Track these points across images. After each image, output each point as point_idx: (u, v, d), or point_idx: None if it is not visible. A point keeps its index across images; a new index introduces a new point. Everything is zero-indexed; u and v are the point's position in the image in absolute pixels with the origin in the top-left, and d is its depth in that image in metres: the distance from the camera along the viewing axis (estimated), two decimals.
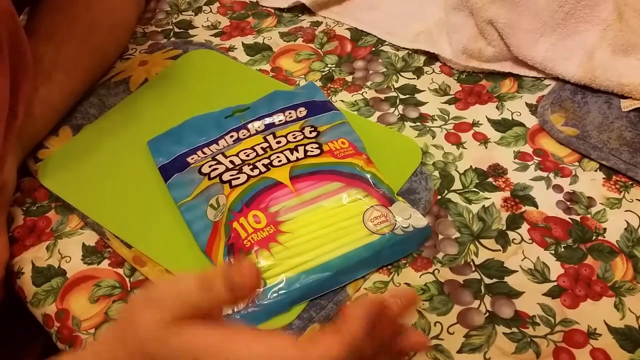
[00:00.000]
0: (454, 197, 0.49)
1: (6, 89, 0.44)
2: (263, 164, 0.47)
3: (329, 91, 0.58)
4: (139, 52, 0.64)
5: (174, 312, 0.29)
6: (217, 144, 0.50)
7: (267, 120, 0.52)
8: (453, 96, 0.57)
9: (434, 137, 0.54)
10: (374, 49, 0.63)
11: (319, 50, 0.63)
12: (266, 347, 0.28)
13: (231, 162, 0.48)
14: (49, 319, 0.44)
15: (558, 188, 0.49)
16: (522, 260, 0.45)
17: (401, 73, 0.60)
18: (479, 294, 0.43)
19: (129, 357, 0.30)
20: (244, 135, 0.51)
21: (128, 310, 0.31)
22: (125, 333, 0.31)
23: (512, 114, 0.55)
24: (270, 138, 0.50)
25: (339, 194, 0.46)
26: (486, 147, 0.53)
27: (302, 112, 0.52)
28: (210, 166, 0.48)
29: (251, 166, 0.47)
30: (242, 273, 0.29)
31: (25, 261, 0.47)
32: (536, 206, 0.48)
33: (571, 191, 0.49)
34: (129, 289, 0.45)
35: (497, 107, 0.56)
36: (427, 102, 0.57)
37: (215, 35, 0.66)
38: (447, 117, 0.55)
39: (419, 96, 0.57)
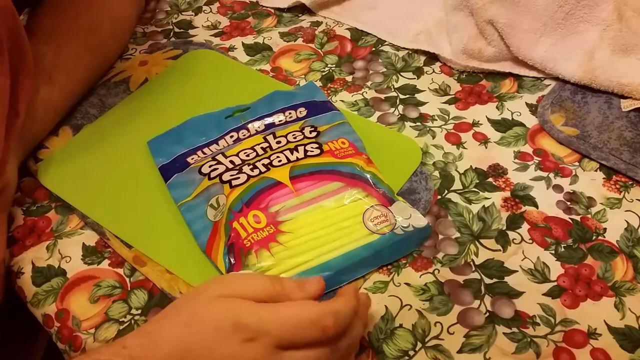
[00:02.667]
0: (454, 197, 0.49)
1: (6, 87, 0.44)
2: (263, 164, 0.47)
3: (329, 91, 0.58)
4: (139, 52, 0.64)
5: (239, 290, 0.35)
6: (217, 144, 0.50)
7: (267, 120, 0.52)
8: (453, 96, 0.57)
9: (434, 137, 0.54)
10: (374, 49, 0.63)
11: (319, 50, 0.63)
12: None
13: (231, 162, 0.48)
14: (49, 319, 0.44)
15: (558, 188, 0.49)
16: (522, 260, 0.45)
17: (401, 73, 0.60)
18: (479, 294, 0.43)
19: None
20: (244, 135, 0.51)
21: (194, 290, 0.37)
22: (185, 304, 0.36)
23: (512, 114, 0.55)
24: (270, 138, 0.50)
25: (339, 194, 0.46)
26: (486, 147, 0.53)
27: (302, 112, 0.52)
28: (210, 166, 0.48)
29: (251, 166, 0.47)
30: (312, 281, 0.38)
31: (26, 261, 0.47)
32: (536, 206, 0.48)
33: (571, 191, 0.49)
34: (129, 289, 0.45)
35: (497, 107, 0.56)
36: (427, 102, 0.57)
37: (215, 35, 0.66)
38: (447, 117, 0.55)
39: (419, 96, 0.57)
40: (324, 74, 0.60)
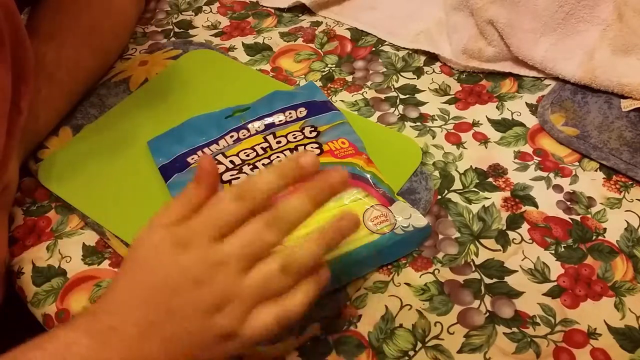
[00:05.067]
0: (454, 197, 0.49)
1: (8, 84, 0.44)
2: (263, 164, 0.47)
3: (329, 91, 0.58)
4: (139, 52, 0.64)
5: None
6: (217, 144, 0.50)
7: (267, 120, 0.52)
8: (453, 96, 0.57)
9: (434, 137, 0.54)
10: (374, 49, 0.63)
11: (319, 50, 0.63)
12: None
13: (231, 162, 0.48)
14: (49, 319, 0.44)
15: (558, 188, 0.49)
16: (522, 260, 0.45)
17: (401, 73, 0.60)
18: (479, 294, 0.43)
19: None
20: (244, 135, 0.51)
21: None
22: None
23: (512, 114, 0.55)
24: (270, 138, 0.50)
25: (339, 194, 0.45)
26: (486, 147, 0.53)
27: (302, 112, 0.52)
28: None
29: (251, 166, 0.47)
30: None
31: (26, 261, 0.47)
32: (536, 206, 0.48)
33: (571, 191, 0.49)
34: None
35: (497, 107, 0.56)
36: (427, 102, 0.57)
37: (215, 35, 0.66)
38: (447, 117, 0.55)
39: (419, 96, 0.57)
40: (324, 74, 0.60)
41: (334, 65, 0.61)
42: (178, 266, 0.34)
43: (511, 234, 0.47)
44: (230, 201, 0.35)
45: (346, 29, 0.65)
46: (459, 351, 0.40)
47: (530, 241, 0.46)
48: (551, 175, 0.50)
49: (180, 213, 0.36)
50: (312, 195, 0.35)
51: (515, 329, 0.41)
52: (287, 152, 0.48)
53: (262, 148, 0.49)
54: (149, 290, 0.34)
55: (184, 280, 0.33)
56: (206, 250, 0.34)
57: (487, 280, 0.44)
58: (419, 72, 0.60)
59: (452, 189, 0.50)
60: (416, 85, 0.59)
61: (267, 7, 0.69)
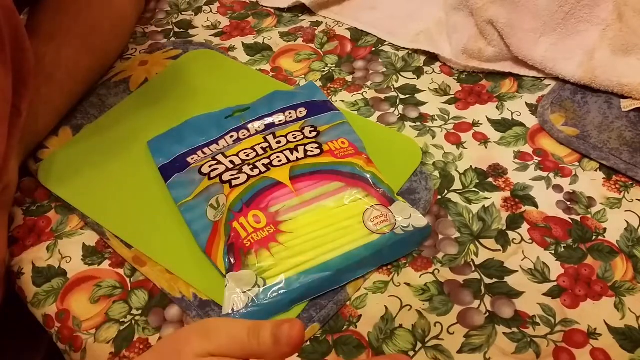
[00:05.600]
0: (454, 197, 0.49)
1: (9, 85, 0.44)
2: (263, 164, 0.47)
3: (329, 91, 0.58)
4: (139, 52, 0.64)
5: (220, 347, 0.31)
6: (217, 144, 0.50)
7: (267, 120, 0.52)
8: (453, 96, 0.57)
9: (434, 137, 0.54)
10: (374, 49, 0.63)
11: (319, 50, 0.63)
12: None
13: (231, 162, 0.48)
14: (50, 320, 0.44)
15: (558, 188, 0.49)
16: (522, 260, 0.45)
17: (401, 73, 0.60)
18: (479, 294, 0.43)
19: None
20: (244, 135, 0.51)
21: (175, 338, 0.33)
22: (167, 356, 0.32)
23: (512, 114, 0.55)
24: (270, 138, 0.50)
25: (339, 194, 0.46)
26: (486, 147, 0.53)
27: (302, 112, 0.52)
28: (210, 166, 0.48)
29: (251, 166, 0.47)
30: (290, 331, 0.31)
31: (26, 261, 0.47)
32: (536, 206, 0.48)
33: (571, 191, 0.49)
34: (129, 289, 0.45)
35: (497, 107, 0.56)
36: (427, 102, 0.57)
37: (215, 35, 0.66)
38: (447, 117, 0.55)
39: (419, 96, 0.57)
40: (324, 74, 0.60)
41: (334, 65, 0.61)
42: None
43: (511, 234, 0.47)
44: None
45: (346, 29, 0.65)
46: (459, 351, 0.40)
47: (530, 241, 0.46)
48: (551, 175, 0.50)
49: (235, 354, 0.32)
50: None
51: (515, 329, 0.41)
52: (287, 152, 0.48)
53: (262, 148, 0.49)
54: None
55: None
56: None
57: (487, 280, 0.44)
58: (419, 72, 0.60)
59: (452, 189, 0.50)
60: (416, 85, 0.59)
61: (267, 7, 0.69)
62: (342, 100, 0.57)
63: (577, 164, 0.51)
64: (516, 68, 0.59)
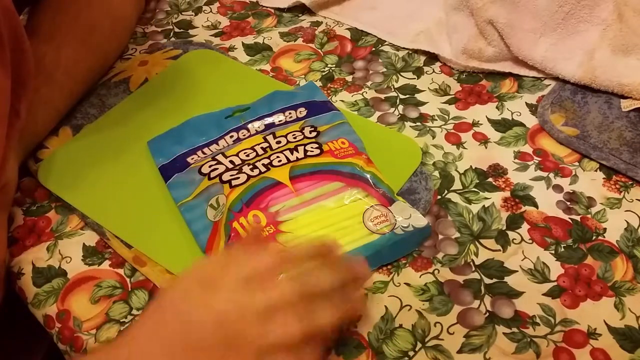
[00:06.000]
0: (454, 197, 0.49)
1: (8, 86, 0.44)
2: (263, 164, 0.48)
3: (329, 91, 0.58)
4: (139, 52, 0.64)
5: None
6: (217, 144, 0.50)
7: (267, 120, 0.52)
8: (453, 96, 0.57)
9: (434, 137, 0.54)
10: (374, 49, 0.63)
11: (319, 50, 0.63)
12: None
13: (231, 162, 0.48)
14: (50, 320, 0.44)
15: (558, 188, 0.49)
16: (522, 260, 0.45)
17: (401, 73, 0.60)
18: (479, 294, 0.43)
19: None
20: (244, 135, 0.51)
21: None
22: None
23: (512, 114, 0.55)
24: (270, 138, 0.50)
25: (339, 194, 0.46)
26: (486, 147, 0.53)
27: (302, 112, 0.52)
28: (210, 166, 0.48)
29: (251, 166, 0.47)
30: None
31: (26, 262, 0.47)
32: (536, 206, 0.48)
33: (571, 191, 0.49)
34: (129, 289, 0.45)
35: (497, 107, 0.56)
36: (427, 102, 0.57)
37: (215, 35, 0.66)
38: (447, 117, 0.55)
39: (419, 96, 0.57)
40: (324, 74, 0.60)
41: (334, 65, 0.61)
42: (207, 307, 0.34)
43: (511, 234, 0.47)
44: (264, 255, 0.36)
45: (346, 29, 0.65)
46: (459, 351, 0.40)
47: (530, 241, 0.46)
48: (551, 175, 0.50)
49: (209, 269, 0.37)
50: (347, 275, 0.38)
51: (515, 329, 0.41)
52: (287, 152, 0.48)
53: (262, 148, 0.49)
54: (175, 333, 0.34)
55: (213, 323, 0.34)
56: (238, 293, 0.34)
57: (487, 281, 0.44)
58: (419, 72, 0.60)
59: (452, 189, 0.50)
60: (416, 85, 0.59)
61: (267, 7, 0.69)
62: (342, 100, 0.57)
63: (577, 164, 0.51)
64: (516, 68, 0.59)
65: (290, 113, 0.52)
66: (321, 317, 0.35)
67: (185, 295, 0.35)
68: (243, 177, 0.47)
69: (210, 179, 0.47)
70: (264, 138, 0.50)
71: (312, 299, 0.36)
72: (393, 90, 0.58)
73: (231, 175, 0.47)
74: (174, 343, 0.34)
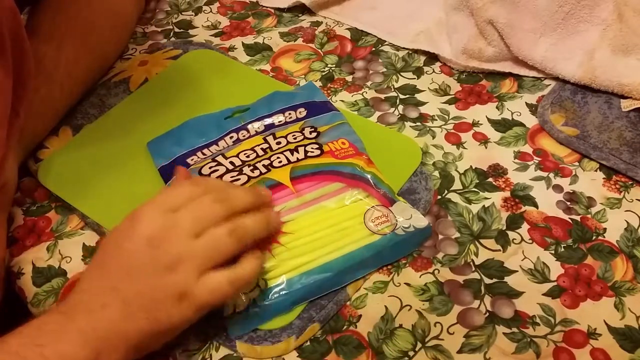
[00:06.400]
0: (454, 197, 0.49)
1: (9, 86, 0.44)
2: (263, 165, 0.47)
3: (329, 91, 0.58)
4: (139, 52, 0.64)
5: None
6: (217, 145, 0.50)
7: (267, 121, 0.52)
8: (453, 96, 0.57)
9: (434, 137, 0.54)
10: (374, 49, 0.63)
11: (319, 50, 0.63)
12: None
13: (231, 163, 0.48)
14: None
15: (558, 188, 0.49)
16: (522, 260, 0.45)
17: (401, 73, 0.60)
18: (479, 294, 0.43)
19: None
20: (243, 136, 0.51)
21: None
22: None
23: (512, 114, 0.55)
24: (270, 139, 0.50)
25: (340, 195, 0.46)
26: (486, 147, 0.53)
27: (302, 112, 0.52)
28: (210, 167, 0.48)
29: (251, 167, 0.47)
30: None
31: (26, 261, 0.47)
32: (536, 206, 0.48)
33: (571, 191, 0.49)
34: None
35: (497, 107, 0.56)
36: (427, 102, 0.57)
37: (215, 35, 0.66)
38: (447, 117, 0.55)
39: (419, 96, 0.57)
40: (324, 74, 0.60)
41: (334, 65, 0.61)
42: (134, 232, 0.37)
43: (511, 234, 0.47)
44: (185, 183, 0.41)
45: (346, 29, 0.65)
46: (459, 351, 0.40)
47: (530, 241, 0.46)
48: (551, 175, 0.50)
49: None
50: (256, 197, 0.42)
51: (515, 329, 0.41)
52: (288, 153, 0.48)
53: (262, 149, 0.49)
54: (111, 259, 0.38)
55: (140, 243, 0.37)
56: (161, 216, 0.38)
57: (487, 280, 0.44)
58: (419, 72, 0.60)
59: (452, 189, 0.50)
60: (416, 85, 0.59)
61: (267, 7, 0.69)
62: (342, 100, 0.57)
63: (577, 164, 0.51)
64: (516, 68, 0.59)
65: (290, 114, 0.52)
66: (248, 225, 0.39)
67: (119, 232, 0.38)
68: (243, 179, 0.47)
69: None
70: (264, 139, 0.50)
71: (235, 214, 0.39)
72: (393, 90, 0.58)
73: (232, 177, 0.47)
74: (115, 277, 0.37)
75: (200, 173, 0.48)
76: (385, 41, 0.63)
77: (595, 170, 0.50)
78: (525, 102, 0.56)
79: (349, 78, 0.60)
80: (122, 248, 0.37)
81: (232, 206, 0.39)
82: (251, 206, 0.41)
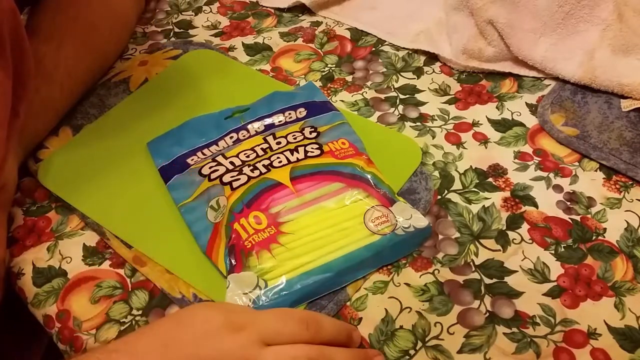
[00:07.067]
0: (454, 197, 0.49)
1: (9, 87, 0.44)
2: (263, 165, 0.47)
3: (329, 91, 0.58)
4: (139, 52, 0.64)
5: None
6: (217, 145, 0.50)
7: (267, 121, 0.52)
8: (453, 96, 0.57)
9: (434, 137, 0.54)
10: (374, 49, 0.63)
11: (319, 50, 0.63)
12: None
13: (231, 163, 0.48)
14: (50, 320, 0.44)
15: (558, 188, 0.49)
16: (522, 260, 0.45)
17: (401, 73, 0.60)
18: (479, 294, 0.43)
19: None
20: (243, 136, 0.51)
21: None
22: None
23: (512, 114, 0.55)
24: (270, 139, 0.50)
25: (340, 195, 0.46)
26: (486, 147, 0.53)
27: (302, 112, 0.52)
28: (210, 167, 0.48)
29: (251, 167, 0.47)
30: None
31: (26, 262, 0.47)
32: (536, 206, 0.48)
33: (571, 191, 0.49)
34: (130, 289, 0.45)
35: (497, 107, 0.56)
36: (427, 102, 0.57)
37: (215, 35, 0.66)
38: (447, 117, 0.55)
39: (419, 96, 0.57)
40: (324, 74, 0.60)
41: (334, 65, 0.61)
42: (218, 341, 0.35)
43: (511, 234, 0.47)
44: (297, 324, 0.37)
45: (346, 29, 0.65)
46: (459, 351, 0.40)
47: (530, 241, 0.46)
48: (551, 175, 0.50)
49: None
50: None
51: (515, 329, 0.41)
52: (287, 153, 0.48)
53: (262, 149, 0.49)
54: (173, 340, 0.35)
55: (213, 352, 0.34)
56: (251, 344, 0.35)
57: (487, 281, 0.44)
58: (419, 72, 0.60)
59: (452, 189, 0.50)
60: (416, 85, 0.59)
61: (267, 7, 0.69)
62: (342, 100, 0.57)
63: (577, 164, 0.51)
64: (516, 68, 0.59)
65: (290, 113, 0.52)
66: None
67: (204, 323, 0.36)
68: (243, 178, 0.47)
69: (210, 180, 0.47)
70: (264, 139, 0.50)
71: None
72: (393, 90, 0.58)
73: (232, 177, 0.47)
74: (170, 348, 0.34)
75: (200, 173, 0.48)
76: (385, 41, 0.63)
77: (595, 170, 0.50)
78: (525, 102, 0.56)
79: (349, 78, 0.60)
80: (197, 345, 0.35)
81: None
82: None
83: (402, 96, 0.58)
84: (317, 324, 0.37)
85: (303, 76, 0.60)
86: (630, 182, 0.49)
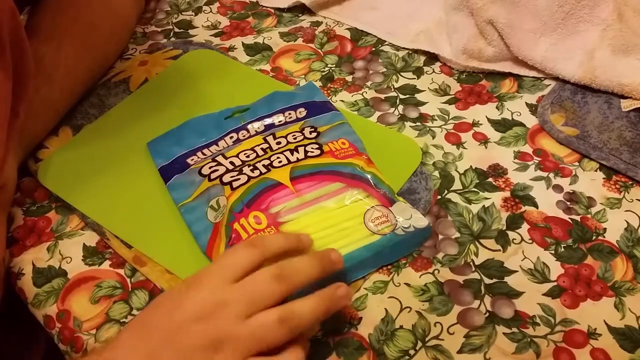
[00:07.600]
0: (454, 197, 0.49)
1: (8, 88, 0.44)
2: (263, 165, 0.47)
3: (329, 91, 0.58)
4: (139, 52, 0.64)
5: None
6: (217, 145, 0.50)
7: (267, 121, 0.52)
8: (453, 96, 0.57)
9: (434, 137, 0.54)
10: (374, 49, 0.63)
11: (319, 50, 0.63)
12: None
13: (231, 163, 0.48)
14: (50, 320, 0.44)
15: (558, 188, 0.49)
16: (522, 260, 0.45)
17: (401, 73, 0.60)
18: (479, 294, 0.43)
19: None
20: (243, 136, 0.51)
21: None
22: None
23: (512, 114, 0.55)
24: (270, 139, 0.50)
25: (340, 195, 0.46)
26: (486, 147, 0.53)
27: (302, 112, 0.52)
28: (210, 167, 0.48)
29: (251, 167, 0.47)
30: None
31: (26, 262, 0.47)
32: (536, 206, 0.48)
33: (571, 191, 0.49)
34: (130, 289, 0.45)
35: (497, 107, 0.56)
36: (427, 102, 0.57)
37: (215, 35, 0.66)
38: (447, 117, 0.55)
39: (419, 96, 0.57)
40: (324, 74, 0.60)
41: (333, 65, 0.61)
42: (184, 301, 0.36)
43: (511, 234, 0.47)
44: (244, 248, 0.37)
45: (346, 29, 0.65)
46: (459, 351, 0.40)
47: (530, 241, 0.46)
48: (551, 175, 0.50)
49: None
50: (322, 264, 0.38)
51: (515, 329, 0.41)
52: (287, 153, 0.48)
53: (262, 149, 0.49)
54: (153, 323, 0.36)
55: (186, 314, 0.35)
56: (214, 289, 0.36)
57: (487, 281, 0.44)
58: (419, 72, 0.60)
59: (452, 189, 0.50)
60: (416, 85, 0.59)
61: (267, 7, 0.69)
62: (342, 100, 0.57)
63: (577, 164, 0.51)
64: (516, 68, 0.59)
65: (290, 113, 0.52)
66: (303, 315, 0.36)
67: (173, 296, 0.37)
68: (243, 178, 0.47)
69: (210, 180, 0.47)
70: (264, 139, 0.50)
71: (291, 292, 0.36)
72: (393, 90, 0.58)
73: (231, 177, 0.47)
74: (157, 343, 0.35)
75: (200, 173, 0.48)
76: (385, 41, 0.63)
77: (595, 170, 0.50)
78: (525, 102, 0.56)
79: (349, 78, 0.60)
80: (170, 315, 0.35)
81: (292, 285, 0.36)
82: (317, 280, 0.38)
83: (402, 96, 0.58)
84: (261, 239, 0.38)
85: (303, 76, 0.60)
86: (630, 182, 0.49)
